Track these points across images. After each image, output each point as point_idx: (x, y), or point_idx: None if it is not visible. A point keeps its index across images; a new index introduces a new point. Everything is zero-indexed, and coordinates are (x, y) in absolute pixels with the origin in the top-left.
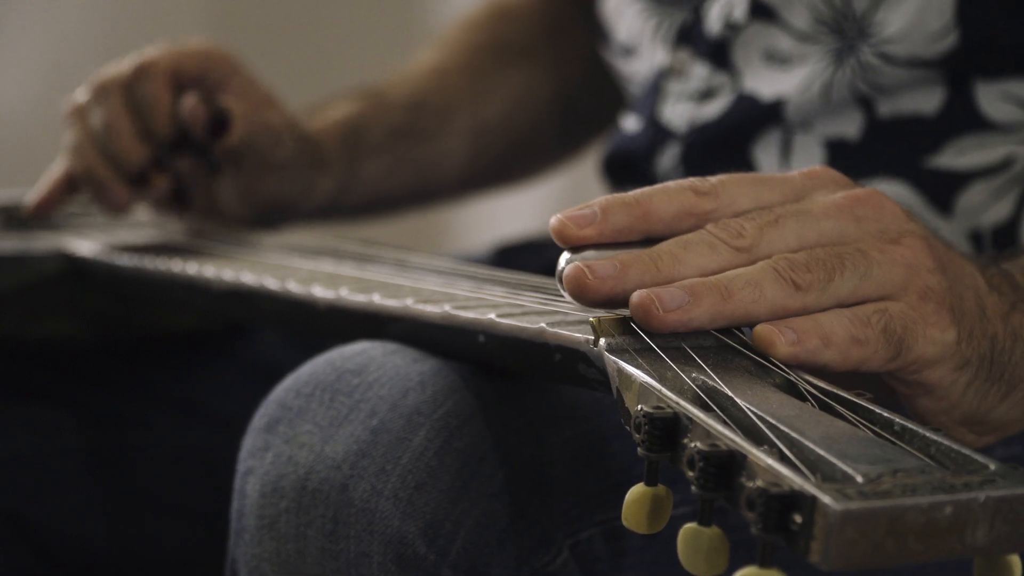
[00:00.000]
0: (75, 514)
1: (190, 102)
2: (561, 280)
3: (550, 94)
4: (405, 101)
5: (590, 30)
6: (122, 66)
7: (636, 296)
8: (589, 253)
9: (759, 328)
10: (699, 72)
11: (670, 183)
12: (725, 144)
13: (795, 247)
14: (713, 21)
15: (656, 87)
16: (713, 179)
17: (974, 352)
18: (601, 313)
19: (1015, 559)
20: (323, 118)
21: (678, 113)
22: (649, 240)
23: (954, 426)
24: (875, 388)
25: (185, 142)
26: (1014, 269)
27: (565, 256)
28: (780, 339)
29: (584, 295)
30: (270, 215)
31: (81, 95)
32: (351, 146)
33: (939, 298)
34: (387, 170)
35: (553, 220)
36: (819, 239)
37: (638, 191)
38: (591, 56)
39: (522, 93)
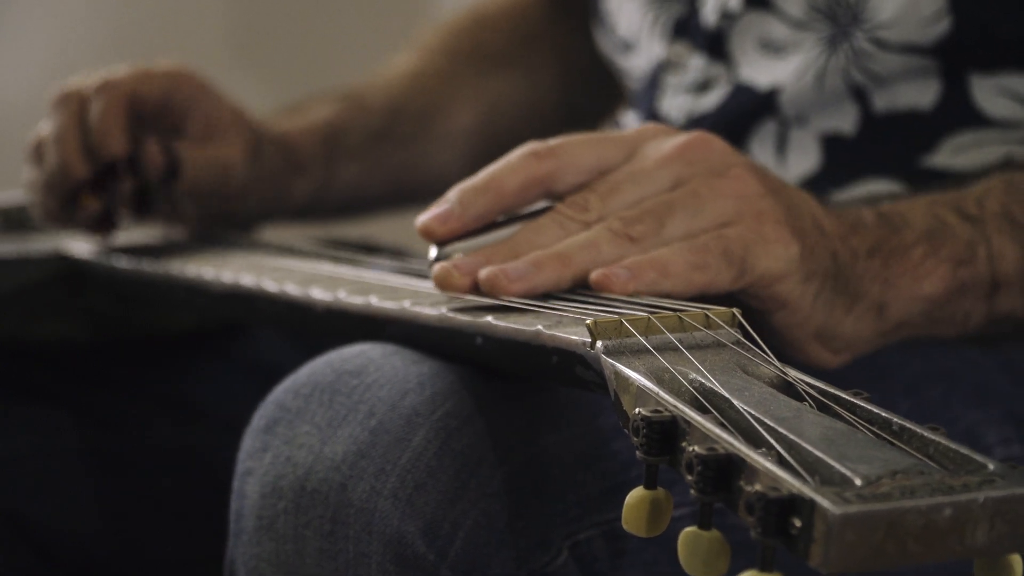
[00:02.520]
0: (75, 514)
1: (151, 149)
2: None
3: (525, 102)
4: (383, 105)
5: (567, 41)
6: (85, 80)
7: (484, 273)
8: (457, 245)
9: (592, 277)
10: (696, 64)
11: (513, 154)
12: (723, 136)
13: (634, 205)
14: (709, 12)
15: (654, 81)
16: (552, 141)
17: (818, 265)
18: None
19: (1016, 559)
20: (301, 120)
21: (676, 106)
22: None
23: (810, 342)
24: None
25: (128, 168)
26: (863, 208)
27: (433, 250)
28: (613, 281)
29: (451, 290)
30: (245, 221)
31: (44, 125)
32: (329, 149)
33: (776, 218)
34: (364, 173)
35: (417, 223)
36: (656, 191)
37: (485, 171)
38: (567, 67)
39: (498, 100)
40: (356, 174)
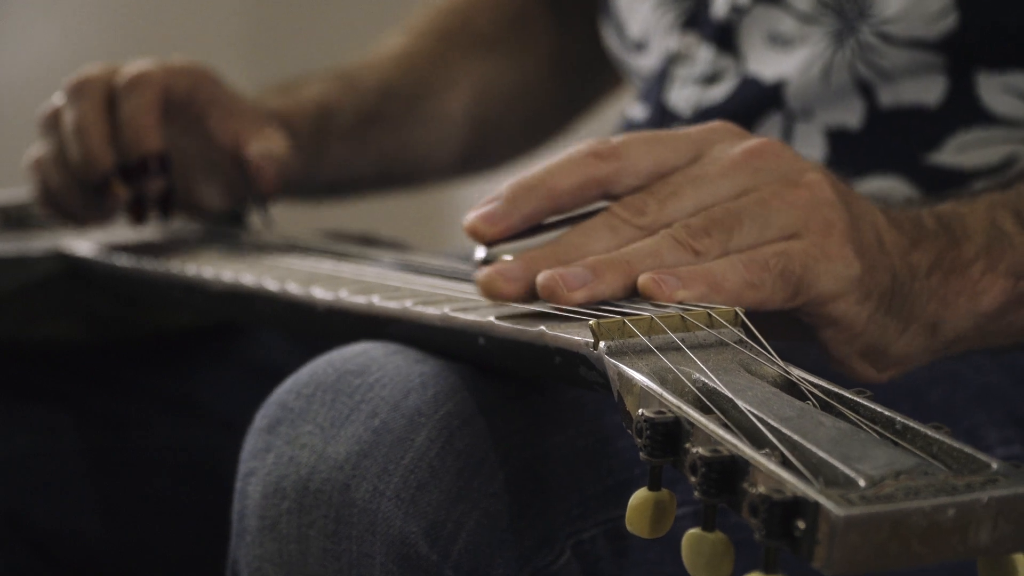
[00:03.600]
0: (75, 514)
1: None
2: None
3: (514, 85)
4: (374, 86)
5: (558, 26)
6: (103, 69)
7: (541, 278)
8: (504, 247)
9: (640, 280)
10: (705, 56)
11: (572, 150)
12: None
13: (694, 212)
14: (719, 5)
15: (663, 73)
16: (615, 139)
17: (876, 285)
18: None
19: (1020, 558)
20: (295, 97)
21: (684, 97)
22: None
23: (856, 358)
24: (783, 322)
25: (159, 166)
26: (924, 211)
27: (480, 251)
28: (662, 287)
29: (497, 297)
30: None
31: (58, 99)
32: (321, 126)
33: (842, 232)
34: (354, 152)
35: (465, 222)
36: (717, 199)
37: (540, 167)
38: (558, 51)
39: (487, 83)
40: (345, 153)
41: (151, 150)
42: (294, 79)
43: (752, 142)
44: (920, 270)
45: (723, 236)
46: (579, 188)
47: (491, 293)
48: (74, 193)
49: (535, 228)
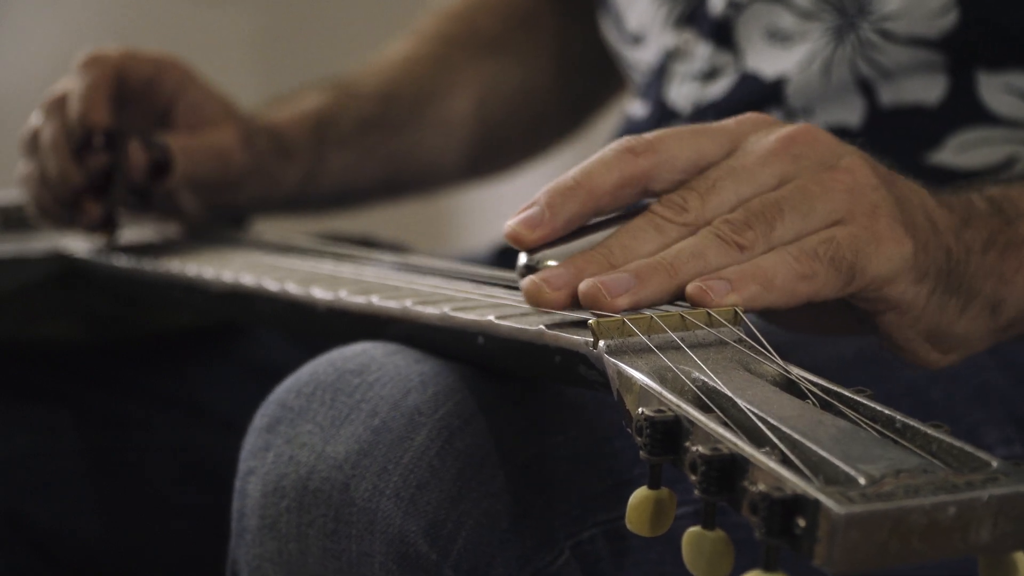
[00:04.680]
0: (75, 514)
1: (132, 147)
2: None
3: (520, 88)
4: (375, 92)
5: (564, 26)
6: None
7: (583, 285)
8: (546, 252)
9: (687, 289)
10: (703, 52)
11: (607, 149)
12: None
13: (736, 205)
14: (716, 0)
15: (662, 69)
16: (649, 135)
17: (931, 263)
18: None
19: (1020, 557)
20: (291, 109)
21: (683, 94)
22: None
23: (920, 342)
24: (838, 313)
25: (121, 169)
26: (973, 194)
27: (523, 257)
28: (711, 295)
29: (543, 306)
30: (238, 212)
31: (36, 118)
32: (319, 137)
33: (889, 213)
34: (355, 161)
35: (505, 228)
36: (758, 190)
37: (577, 168)
38: (563, 52)
39: (493, 85)
40: (347, 162)
41: (95, 123)
42: (293, 91)
43: (787, 129)
44: (975, 248)
45: (765, 228)
46: (619, 186)
47: (537, 301)
48: (63, 207)
49: (575, 231)
